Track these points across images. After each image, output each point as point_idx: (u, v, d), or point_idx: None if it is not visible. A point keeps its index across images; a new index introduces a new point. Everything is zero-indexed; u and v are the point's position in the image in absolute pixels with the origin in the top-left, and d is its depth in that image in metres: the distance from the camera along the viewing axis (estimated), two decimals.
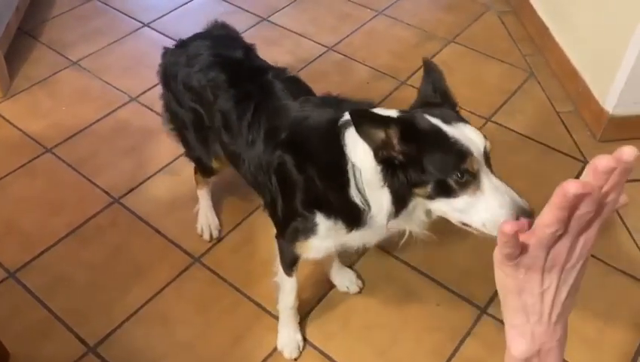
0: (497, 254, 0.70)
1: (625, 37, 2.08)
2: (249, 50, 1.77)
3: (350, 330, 1.75)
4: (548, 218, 0.64)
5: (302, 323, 1.75)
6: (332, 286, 1.85)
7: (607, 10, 2.23)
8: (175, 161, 2.22)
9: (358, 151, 1.28)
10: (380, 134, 1.19)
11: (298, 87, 1.62)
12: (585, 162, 2.23)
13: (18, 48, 2.70)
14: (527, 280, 0.70)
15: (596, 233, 0.67)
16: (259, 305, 1.80)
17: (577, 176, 2.22)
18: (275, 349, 1.70)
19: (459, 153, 1.18)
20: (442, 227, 1.99)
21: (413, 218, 1.35)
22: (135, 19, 2.95)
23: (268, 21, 2.94)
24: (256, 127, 1.50)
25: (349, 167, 1.30)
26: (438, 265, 1.90)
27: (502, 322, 1.76)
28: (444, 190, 1.22)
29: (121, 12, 2.99)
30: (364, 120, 1.19)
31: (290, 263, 1.59)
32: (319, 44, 2.79)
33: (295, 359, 1.68)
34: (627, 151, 0.60)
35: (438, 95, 1.33)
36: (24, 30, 2.82)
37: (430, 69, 1.34)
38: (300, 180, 1.39)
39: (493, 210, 1.19)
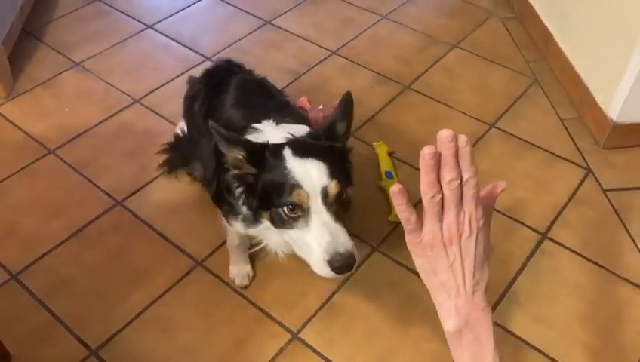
0: (406, 236, 0.84)
1: (629, 44, 2.08)
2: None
3: (352, 337, 1.74)
4: (422, 186, 0.78)
5: (304, 328, 1.75)
6: (334, 292, 1.84)
7: (611, 17, 2.23)
8: None
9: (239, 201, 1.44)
10: (234, 153, 1.32)
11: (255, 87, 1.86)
12: (588, 169, 2.22)
13: (22, 49, 2.70)
14: (435, 258, 0.81)
15: (479, 210, 0.79)
16: (261, 310, 1.79)
17: (580, 185, 2.22)
18: (278, 354, 1.69)
19: (288, 186, 1.27)
20: None
21: (272, 237, 1.48)
22: (139, 20, 2.95)
23: (271, 24, 2.93)
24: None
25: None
26: None
27: (505, 329, 1.77)
28: (280, 219, 1.30)
29: (124, 14, 2.99)
30: (220, 137, 1.31)
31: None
32: (323, 47, 2.79)
33: (245, 286, 1.83)
34: (462, 139, 0.77)
35: (333, 126, 1.40)
36: (28, 31, 2.81)
37: (345, 101, 1.42)
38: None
39: (315, 249, 1.26)
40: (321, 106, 2.35)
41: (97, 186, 2.15)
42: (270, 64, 2.68)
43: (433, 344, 1.71)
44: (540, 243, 1.99)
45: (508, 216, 2.06)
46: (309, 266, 1.34)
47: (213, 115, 1.74)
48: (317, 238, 1.25)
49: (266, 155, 1.33)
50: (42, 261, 1.91)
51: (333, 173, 1.29)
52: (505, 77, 2.65)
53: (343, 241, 1.25)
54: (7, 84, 2.49)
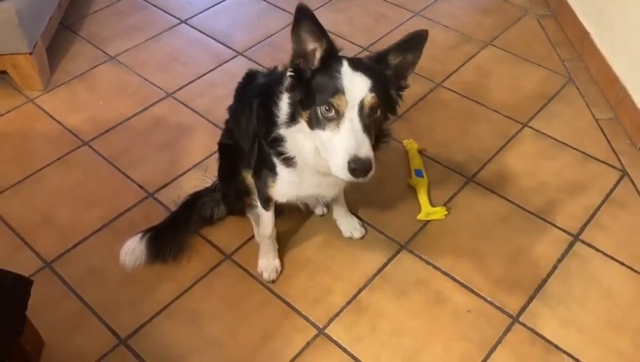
0: None
1: None
2: None
3: (378, 334, 1.74)
4: None
5: (330, 324, 1.75)
6: (361, 288, 1.84)
7: None
8: (209, 157, 2.24)
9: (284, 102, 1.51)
10: (311, 44, 1.41)
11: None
12: (624, 171, 2.17)
13: (59, 43, 2.75)
14: None
15: None
16: (288, 304, 1.80)
17: (615, 187, 2.19)
18: (304, 349, 1.70)
19: (333, 88, 1.37)
20: (479, 238, 1.98)
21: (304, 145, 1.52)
22: (172, 15, 2.98)
23: None
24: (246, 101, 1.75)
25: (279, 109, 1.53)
26: (470, 271, 1.88)
27: (535, 332, 1.75)
28: (316, 118, 1.41)
29: (158, 8, 3.03)
30: (306, 19, 1.38)
31: (265, 200, 1.77)
32: (354, 44, 2.78)
33: (273, 281, 1.85)
34: None
35: (385, 54, 1.46)
36: (65, 25, 2.87)
37: (412, 36, 1.45)
38: (262, 116, 1.61)
39: (339, 152, 1.36)
40: None
41: (130, 178, 2.18)
42: None
43: (462, 344, 1.70)
44: (571, 245, 1.95)
45: (539, 217, 2.03)
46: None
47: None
48: (343, 141, 1.36)
49: (334, 56, 1.43)
50: (75, 250, 1.95)
51: (373, 89, 1.38)
52: (539, 76, 2.60)
53: (365, 149, 1.36)
54: (44, 77, 2.55)
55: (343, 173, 1.37)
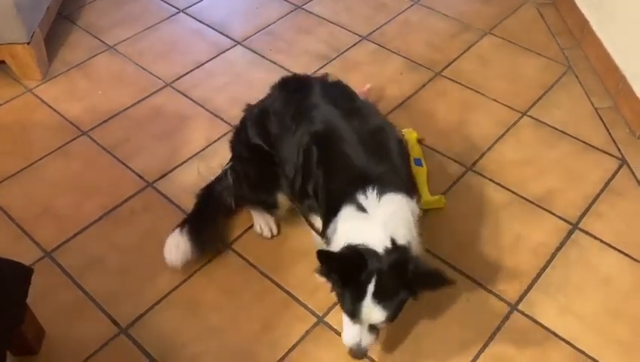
0: None
1: None
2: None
3: None
4: None
5: (329, 313, 1.76)
6: None
7: None
8: (208, 147, 2.25)
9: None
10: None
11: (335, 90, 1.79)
12: (623, 160, 2.18)
13: (57, 32, 2.75)
14: None
15: None
16: (288, 293, 1.81)
17: (614, 175, 2.19)
18: (304, 337, 1.71)
19: (350, 308, 1.43)
20: (478, 227, 1.99)
21: None
22: (171, 4, 2.97)
23: (302, 9, 2.93)
24: (297, 119, 1.69)
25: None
26: (469, 260, 1.88)
27: (533, 320, 1.76)
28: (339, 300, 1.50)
29: None
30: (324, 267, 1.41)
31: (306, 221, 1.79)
32: (353, 32, 2.78)
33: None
34: None
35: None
36: (63, 15, 2.86)
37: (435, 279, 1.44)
38: (315, 172, 1.61)
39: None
40: (368, 86, 2.39)
41: (129, 168, 2.18)
42: (300, 49, 2.68)
43: (461, 331, 1.71)
44: (570, 233, 1.96)
45: (538, 206, 2.04)
46: None
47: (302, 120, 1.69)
48: (346, 333, 1.50)
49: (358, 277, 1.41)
50: (75, 239, 1.96)
51: (388, 319, 1.43)
52: (538, 64, 2.60)
53: (365, 343, 1.47)
54: (43, 67, 2.54)
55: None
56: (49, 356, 1.67)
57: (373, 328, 1.46)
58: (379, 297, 1.39)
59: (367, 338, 1.47)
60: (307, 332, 1.72)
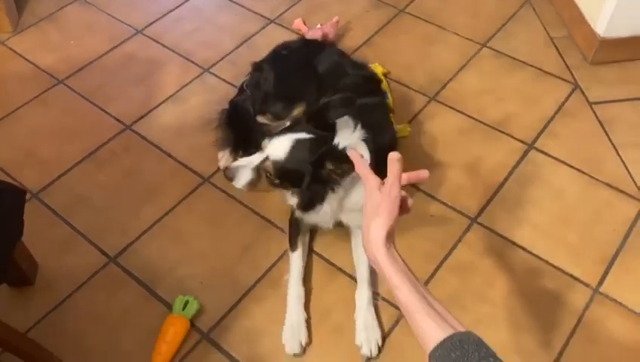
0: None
1: None
2: None
3: (349, 240, 1.87)
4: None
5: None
6: None
7: None
8: (181, 90, 2.33)
9: None
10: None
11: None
12: (575, 84, 2.31)
13: None
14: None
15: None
16: (265, 218, 1.93)
17: (567, 98, 2.31)
18: (281, 257, 1.84)
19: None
20: (440, 151, 2.11)
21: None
22: None
23: None
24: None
25: None
26: (433, 181, 2.00)
27: (492, 231, 1.89)
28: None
29: None
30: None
31: None
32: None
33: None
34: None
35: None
36: None
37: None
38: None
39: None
40: (319, 25, 2.45)
41: (107, 112, 2.26)
42: None
43: (425, 242, 1.85)
44: (526, 153, 2.10)
45: (497, 129, 2.17)
46: None
47: None
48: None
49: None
50: (60, 181, 2.05)
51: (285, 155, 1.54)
52: None
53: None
54: (12, 19, 2.57)
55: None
56: (44, 286, 1.78)
57: (260, 172, 1.56)
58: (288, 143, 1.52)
59: (246, 173, 1.56)
60: (285, 252, 1.84)
